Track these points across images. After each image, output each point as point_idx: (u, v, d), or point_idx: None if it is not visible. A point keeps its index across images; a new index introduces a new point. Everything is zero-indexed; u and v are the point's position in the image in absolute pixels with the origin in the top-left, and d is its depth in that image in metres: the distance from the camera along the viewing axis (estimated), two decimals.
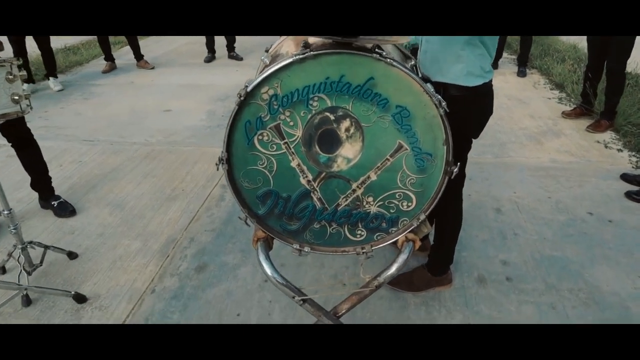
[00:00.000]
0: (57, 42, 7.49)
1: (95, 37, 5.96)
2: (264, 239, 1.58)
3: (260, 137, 1.43)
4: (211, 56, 6.47)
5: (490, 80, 1.67)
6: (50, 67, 5.23)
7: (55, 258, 2.42)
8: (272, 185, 1.51)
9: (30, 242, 2.23)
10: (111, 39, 6.21)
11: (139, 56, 6.15)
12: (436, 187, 1.49)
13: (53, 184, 2.89)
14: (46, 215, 2.81)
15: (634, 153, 3.58)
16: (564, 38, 7.25)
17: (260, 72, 1.43)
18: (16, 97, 1.89)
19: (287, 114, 1.39)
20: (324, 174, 1.48)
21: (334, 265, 2.36)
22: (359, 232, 1.60)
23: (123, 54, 6.83)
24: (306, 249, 1.61)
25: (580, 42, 6.70)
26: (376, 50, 1.30)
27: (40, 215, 2.82)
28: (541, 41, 7.05)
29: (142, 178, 3.26)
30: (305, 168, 1.47)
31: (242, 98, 1.35)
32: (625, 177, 3.17)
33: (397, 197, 1.51)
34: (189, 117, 4.39)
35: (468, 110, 1.63)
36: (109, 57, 6.03)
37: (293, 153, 1.45)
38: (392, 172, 1.47)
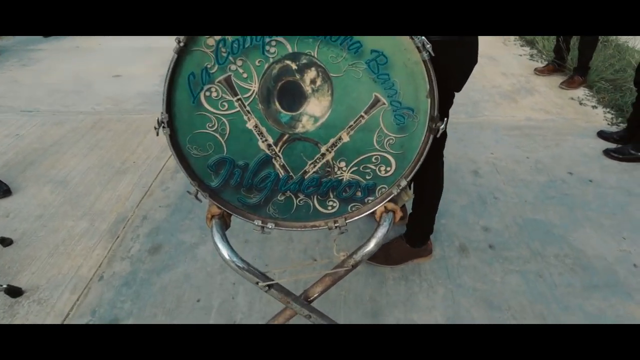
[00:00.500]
0: None
1: None
2: (219, 215, 1.34)
3: (207, 94, 1.17)
4: None
5: None
6: None
7: None
8: (225, 151, 1.26)
9: None
10: None
11: None
12: (419, 148, 1.27)
13: None
14: None
15: (608, 110, 3.47)
16: None
17: None
18: None
19: (239, 63, 1.14)
20: (286, 136, 1.24)
21: (303, 239, 2.15)
22: (331, 203, 1.38)
23: None
24: (270, 225, 1.38)
25: None
26: None
27: None
28: None
29: (89, 151, 2.93)
30: (264, 130, 1.23)
31: (181, 44, 1.08)
32: (602, 135, 3.07)
33: (373, 161, 1.29)
34: (141, 82, 4.02)
35: (452, 55, 1.40)
36: None
37: (249, 112, 1.20)
38: (367, 132, 1.24)
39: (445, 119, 1.23)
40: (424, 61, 1.13)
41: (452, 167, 2.72)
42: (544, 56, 4.65)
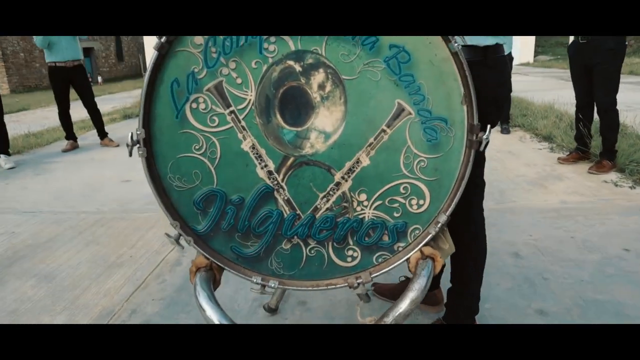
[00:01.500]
0: (20, 127, 7.17)
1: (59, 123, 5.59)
2: (207, 268, 1.05)
3: (194, 105, 0.96)
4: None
5: (503, 47, 1.27)
6: (3, 144, 4.80)
7: None
8: (215, 182, 1.01)
9: None
10: (77, 121, 5.87)
11: (102, 134, 5.80)
12: (458, 170, 1.01)
13: None
14: None
15: None
16: (538, 101, 7.24)
17: None
18: None
19: (232, 66, 0.94)
20: (291, 159, 1.00)
21: (316, 297, 1.78)
22: (351, 252, 1.08)
23: (89, 135, 6.47)
24: (272, 283, 1.07)
25: (556, 101, 6.68)
26: None
27: None
28: (518, 104, 7.02)
29: (84, 246, 2.69)
30: (263, 152, 0.99)
31: (162, 40, 0.90)
32: None
33: (401, 191, 1.02)
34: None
35: (483, 77, 1.20)
36: (70, 136, 5.66)
37: (244, 128, 0.98)
38: (392, 152, 1.00)
39: (488, 126, 0.98)
40: (455, 54, 0.92)
41: (488, 251, 2.38)
42: (564, 148, 4.50)
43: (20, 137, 6.26)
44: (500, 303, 1.90)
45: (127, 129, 6.80)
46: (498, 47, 1.24)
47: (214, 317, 0.98)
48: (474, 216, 1.44)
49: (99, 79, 20.24)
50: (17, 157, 5.17)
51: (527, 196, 3.22)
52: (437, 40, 0.94)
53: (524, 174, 3.75)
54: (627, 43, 3.54)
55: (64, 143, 5.69)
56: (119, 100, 11.60)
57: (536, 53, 22.63)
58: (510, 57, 4.41)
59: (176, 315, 1.95)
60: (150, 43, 22.65)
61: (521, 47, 20.29)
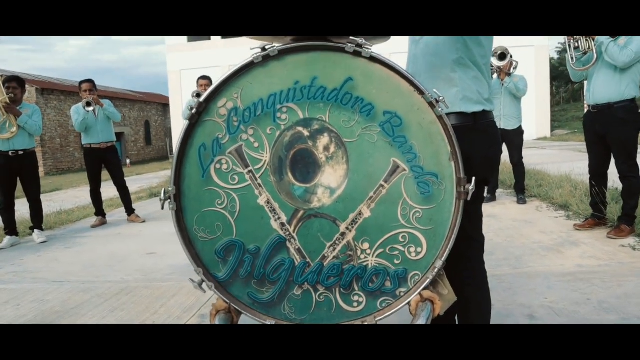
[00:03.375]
0: (53, 206, 7.53)
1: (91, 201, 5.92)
2: (226, 311, 1.15)
3: (218, 166, 1.13)
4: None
5: (492, 112, 1.43)
6: (37, 219, 5.08)
7: None
8: (235, 233, 1.15)
9: None
10: (106, 199, 6.16)
11: (130, 210, 6.06)
12: (450, 220, 1.13)
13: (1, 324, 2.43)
14: None
15: None
16: (555, 173, 7.32)
17: None
18: None
19: (250, 132, 1.12)
20: (301, 212, 1.14)
21: None
22: (356, 298, 1.18)
23: (116, 212, 6.76)
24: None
25: (572, 172, 6.75)
26: (351, 42, 1.08)
27: None
28: (534, 176, 7.10)
29: (108, 312, 2.79)
30: (276, 206, 1.14)
31: (193, 111, 1.09)
32: None
33: (400, 240, 1.14)
34: (174, 257, 4.04)
35: (472, 141, 1.34)
36: (100, 212, 5.93)
37: (260, 185, 1.13)
38: (390, 205, 1.13)
39: (474, 178, 1.11)
40: (440, 118, 1.08)
41: (503, 313, 2.41)
42: (580, 215, 4.53)
43: (52, 214, 6.57)
44: None
45: (153, 207, 7.10)
46: (485, 112, 1.40)
47: None
48: (475, 270, 1.51)
49: (127, 161, 21.21)
50: (49, 232, 5.43)
51: (542, 261, 3.24)
52: (424, 105, 1.10)
53: (540, 241, 3.77)
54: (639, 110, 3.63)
55: (93, 219, 5.96)
56: (146, 180, 12.12)
57: (552, 128, 22.99)
58: (520, 131, 4.57)
59: None
60: (177, 128, 23.88)
61: (537, 123, 20.63)
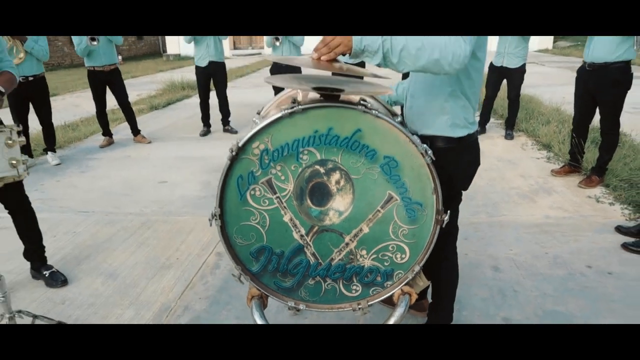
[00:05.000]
0: (56, 119, 7.73)
1: (94, 114, 6.15)
2: (259, 296, 1.55)
3: (252, 192, 1.45)
4: (207, 130, 6.64)
5: (475, 132, 1.72)
6: (50, 142, 5.35)
7: None
8: (265, 241, 1.50)
9: (19, 311, 2.17)
10: (109, 115, 6.39)
11: (135, 131, 6.31)
12: (428, 237, 1.49)
13: (46, 254, 2.85)
14: (37, 286, 2.75)
15: (625, 206, 3.61)
16: (547, 102, 7.56)
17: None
18: (14, 162, 1.93)
19: (278, 168, 1.42)
20: (316, 227, 1.49)
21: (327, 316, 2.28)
22: (354, 287, 1.57)
23: (121, 129, 7.00)
24: (301, 306, 1.57)
25: (563, 104, 7.00)
26: (363, 102, 1.35)
27: (30, 286, 2.75)
28: (525, 105, 7.32)
29: (136, 248, 3.23)
30: (297, 222, 1.48)
31: (234, 153, 1.38)
32: (619, 229, 3.18)
33: (390, 249, 1.51)
34: (184, 188, 4.43)
35: (455, 161, 1.66)
36: (107, 132, 6.18)
37: (285, 207, 1.46)
38: (384, 224, 1.47)
39: (449, 211, 1.45)
40: (427, 164, 1.39)
41: (473, 263, 2.87)
42: (560, 158, 4.90)
43: (59, 128, 6.79)
44: (475, 311, 2.38)
45: (156, 123, 7.33)
46: (469, 135, 1.69)
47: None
48: (449, 259, 1.91)
49: (119, 57, 20.74)
50: (60, 153, 5.73)
51: (516, 210, 3.66)
52: (416, 152, 1.40)
53: (518, 186, 4.17)
54: (632, 72, 3.79)
55: (100, 138, 6.23)
56: (143, 86, 12.08)
57: (555, 39, 22.44)
58: (522, 69, 4.72)
59: (219, 311, 2.47)
60: None
61: None
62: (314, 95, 1.43)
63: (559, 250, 2.97)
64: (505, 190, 4.07)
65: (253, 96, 9.69)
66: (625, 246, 2.95)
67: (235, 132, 6.57)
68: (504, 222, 3.45)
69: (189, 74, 13.45)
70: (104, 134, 6.19)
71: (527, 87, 9.11)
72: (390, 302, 2.26)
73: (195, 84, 8.47)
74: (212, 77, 6.39)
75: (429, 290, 2.07)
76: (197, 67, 6.35)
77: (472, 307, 2.40)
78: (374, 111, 1.35)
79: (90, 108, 6.75)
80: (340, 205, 1.46)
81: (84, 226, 3.62)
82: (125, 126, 6.85)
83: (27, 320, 2.21)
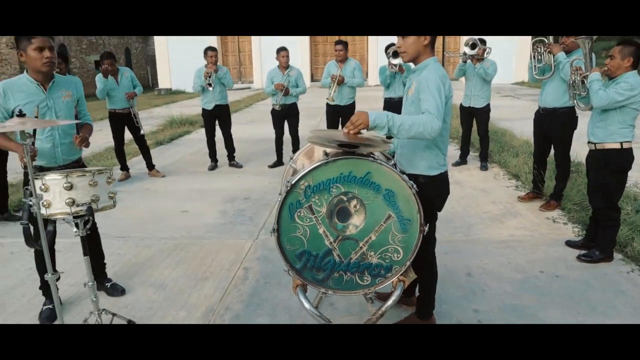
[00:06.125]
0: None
1: (106, 148, 6.84)
2: (301, 285, 2.26)
3: (298, 214, 2.18)
4: (214, 165, 7.35)
5: (446, 171, 2.49)
6: None
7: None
8: (306, 246, 2.23)
9: (103, 310, 2.82)
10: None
11: (150, 166, 7.00)
12: (415, 241, 2.23)
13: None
14: (100, 296, 3.39)
15: (576, 225, 4.40)
16: (519, 134, 8.47)
17: (293, 173, 2.23)
18: (111, 195, 2.63)
19: (316, 197, 2.17)
20: (340, 237, 2.22)
21: (347, 300, 2.99)
22: (366, 278, 2.30)
23: (134, 163, 7.67)
24: (329, 292, 2.29)
25: (531, 137, 7.89)
26: (371, 155, 2.12)
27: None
28: (499, 139, 8.21)
29: (175, 265, 3.90)
30: (328, 233, 2.21)
31: (288, 188, 2.13)
32: (569, 243, 3.96)
33: (390, 250, 2.25)
34: (205, 216, 5.12)
35: (432, 192, 2.42)
36: (125, 167, 6.86)
37: (320, 223, 2.20)
38: (385, 233, 2.22)
39: (429, 224, 2.20)
40: (413, 194, 2.15)
41: (451, 271, 3.60)
42: (526, 186, 5.72)
43: (86, 158, 7.43)
44: (452, 305, 3.10)
45: (164, 158, 8.03)
46: (441, 174, 2.46)
47: (307, 306, 2.19)
48: (429, 259, 2.64)
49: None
50: None
51: (487, 230, 4.43)
52: (407, 187, 2.16)
53: (489, 211, 4.96)
54: (577, 115, 4.65)
55: (118, 172, 6.90)
56: (142, 121, 12.75)
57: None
58: (487, 109, 5.68)
59: (254, 311, 3.15)
60: (161, 57, 24.03)
61: (517, 66, 21.16)
62: (338, 151, 2.19)
63: (520, 260, 3.73)
64: (478, 215, 4.85)
65: (251, 131, 10.43)
66: (578, 257, 3.70)
67: (240, 167, 7.29)
68: (477, 239, 4.21)
69: (186, 110, 14.24)
70: (121, 169, 6.86)
71: (503, 121, 10.10)
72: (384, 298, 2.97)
73: (194, 119, 9.10)
74: (218, 118, 7.14)
75: (416, 290, 2.80)
76: (203, 110, 7.11)
77: (450, 302, 3.13)
78: (378, 160, 2.11)
79: (100, 142, 7.45)
80: (356, 221, 2.20)
81: (125, 249, 4.28)
82: (137, 160, 7.54)
83: (108, 316, 2.87)
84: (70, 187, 2.44)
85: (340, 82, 6.52)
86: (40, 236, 2.41)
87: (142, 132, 6.80)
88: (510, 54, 20.79)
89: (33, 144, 2.82)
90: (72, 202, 2.45)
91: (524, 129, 8.76)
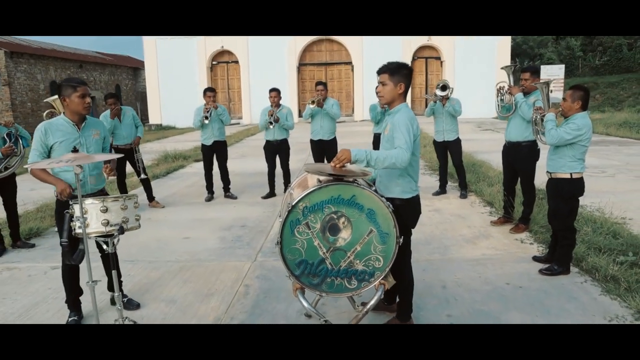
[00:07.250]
0: None
1: (115, 180, 7.30)
2: (300, 288, 2.75)
3: (298, 229, 2.69)
4: (210, 196, 7.81)
5: (418, 195, 3.02)
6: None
7: None
8: (304, 256, 2.72)
9: (126, 318, 3.25)
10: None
11: (151, 198, 7.46)
12: (392, 251, 2.74)
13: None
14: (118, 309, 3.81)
15: (540, 244, 4.95)
16: (496, 165, 9.11)
17: (291, 196, 2.75)
18: (137, 217, 3.11)
19: (312, 216, 2.68)
20: (332, 248, 2.73)
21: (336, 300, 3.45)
22: (353, 282, 2.79)
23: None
24: (323, 294, 2.78)
25: None
26: (355, 181, 2.65)
27: (113, 309, 3.81)
28: (477, 170, 8.83)
29: (183, 284, 4.33)
30: (321, 245, 2.72)
31: (289, 209, 2.64)
32: (535, 258, 4.49)
33: (372, 259, 2.75)
34: (206, 242, 5.57)
35: (406, 211, 2.95)
36: None
37: (315, 237, 2.70)
38: (368, 245, 2.73)
39: (403, 237, 2.73)
40: (390, 212, 2.68)
41: (429, 284, 4.09)
42: (499, 212, 6.28)
43: None
44: (429, 311, 3.58)
45: (161, 190, 8.49)
46: (413, 197, 2.99)
47: (306, 305, 2.66)
48: (406, 268, 3.14)
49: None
50: None
51: (461, 250, 4.95)
52: (384, 206, 2.68)
53: (464, 234, 5.49)
54: (538, 148, 5.26)
55: None
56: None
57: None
58: (458, 141, 6.44)
59: (256, 319, 3.59)
60: (152, 93, 24.74)
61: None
62: (329, 178, 2.71)
63: (489, 274, 4.24)
64: (454, 237, 5.38)
65: (242, 166, 10.94)
66: (540, 271, 4.22)
67: (235, 198, 7.77)
68: (452, 258, 4.72)
69: (179, 145, 14.74)
70: None
71: (481, 153, 10.79)
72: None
73: (187, 154, 9.49)
74: (215, 152, 7.67)
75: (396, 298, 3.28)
76: (203, 145, 7.64)
77: (427, 309, 3.61)
78: (361, 186, 2.64)
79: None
80: (345, 235, 2.71)
81: (135, 271, 4.70)
82: (138, 192, 7.99)
83: (130, 323, 3.29)
84: (106, 210, 2.92)
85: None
86: (77, 253, 2.87)
87: (142, 176, 7.28)
88: (490, 85, 21.93)
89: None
90: (107, 223, 2.92)
91: (500, 161, 9.40)
